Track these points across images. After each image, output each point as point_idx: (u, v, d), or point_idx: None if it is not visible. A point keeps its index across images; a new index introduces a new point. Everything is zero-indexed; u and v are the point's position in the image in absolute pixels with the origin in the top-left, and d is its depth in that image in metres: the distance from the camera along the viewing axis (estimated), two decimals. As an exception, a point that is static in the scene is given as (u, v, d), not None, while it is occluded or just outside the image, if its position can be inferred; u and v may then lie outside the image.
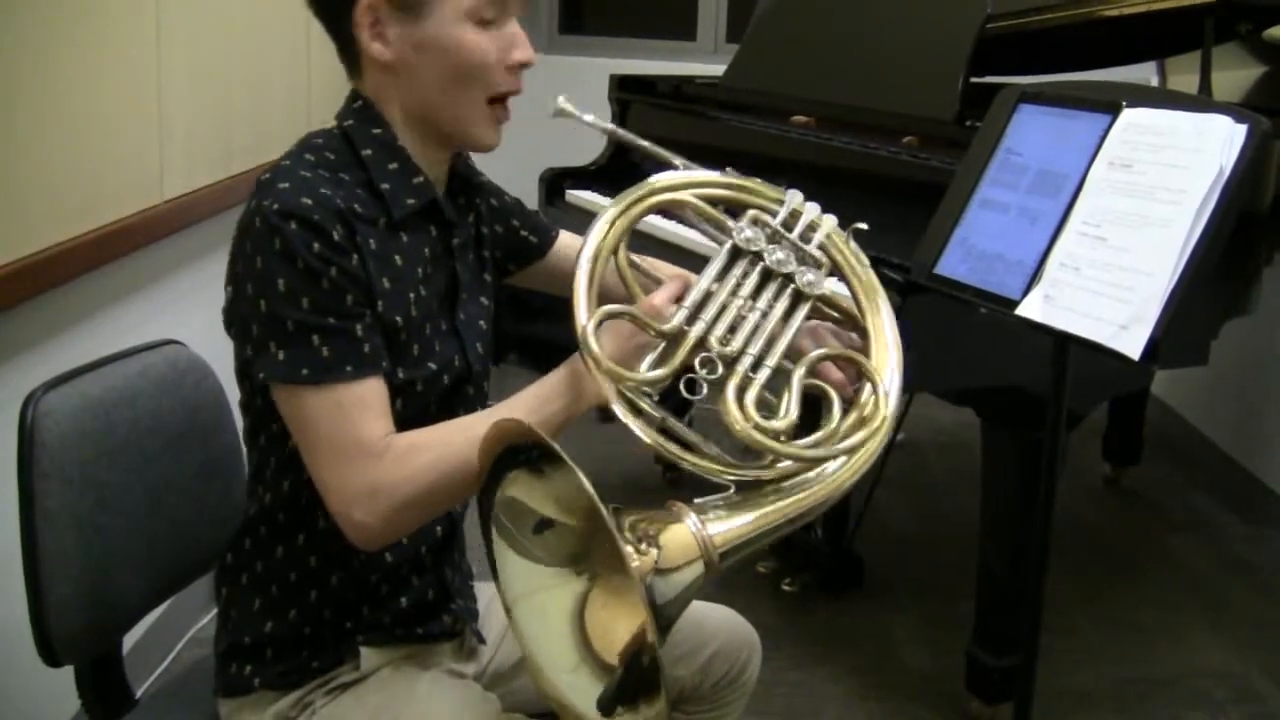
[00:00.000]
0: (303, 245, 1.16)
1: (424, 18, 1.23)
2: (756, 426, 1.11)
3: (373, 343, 1.20)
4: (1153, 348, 1.32)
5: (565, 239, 1.58)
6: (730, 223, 1.26)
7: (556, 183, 3.22)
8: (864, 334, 1.28)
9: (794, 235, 1.26)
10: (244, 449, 1.36)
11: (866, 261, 1.31)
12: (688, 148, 3.17)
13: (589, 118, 1.32)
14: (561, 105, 1.32)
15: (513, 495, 1.10)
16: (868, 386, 1.21)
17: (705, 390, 1.13)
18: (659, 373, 1.13)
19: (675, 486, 3.35)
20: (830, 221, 1.29)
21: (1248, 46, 2.91)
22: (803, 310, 1.22)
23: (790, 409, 1.14)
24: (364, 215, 1.23)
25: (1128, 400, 3.52)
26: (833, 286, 1.27)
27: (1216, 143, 1.35)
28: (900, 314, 1.98)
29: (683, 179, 1.29)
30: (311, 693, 1.32)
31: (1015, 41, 2.64)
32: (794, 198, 1.29)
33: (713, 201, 1.29)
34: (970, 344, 2.07)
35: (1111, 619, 2.87)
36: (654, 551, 1.03)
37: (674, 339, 1.15)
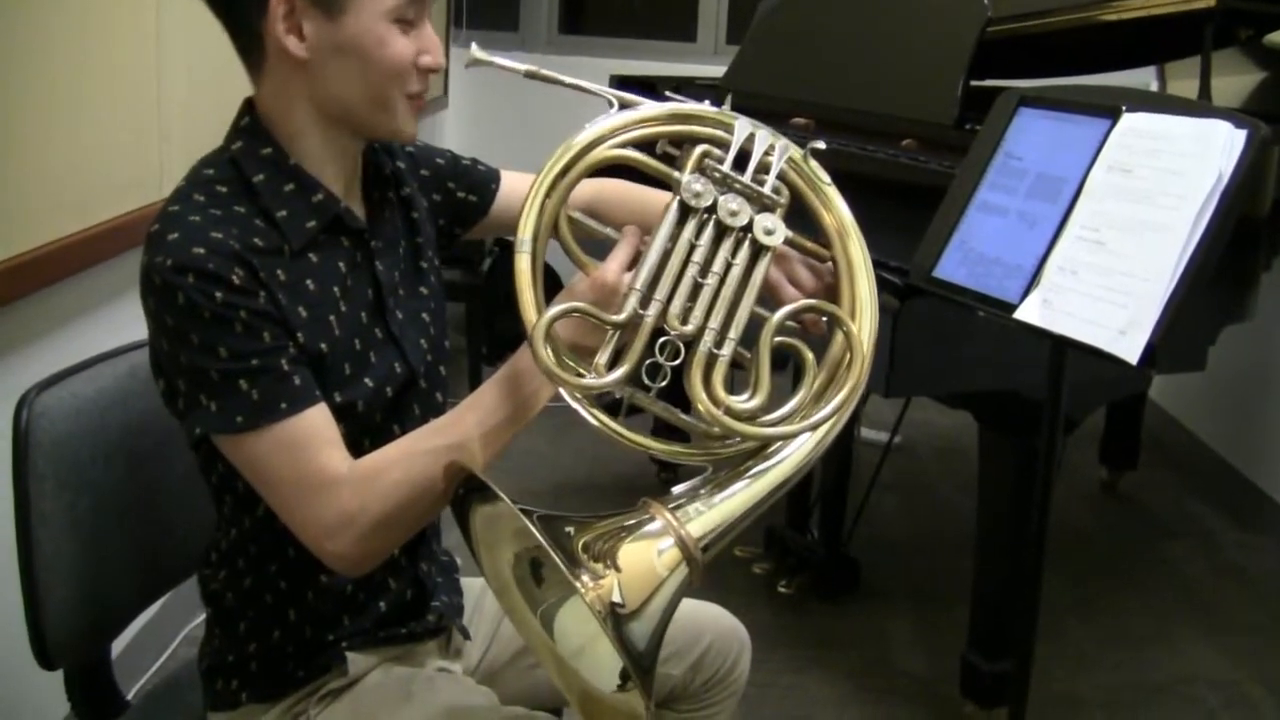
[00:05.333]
0: (205, 298, 1.11)
1: (344, 15, 1.17)
2: (728, 410, 1.07)
3: (302, 374, 1.17)
4: (1150, 353, 1.31)
5: (509, 183, 1.52)
6: (676, 174, 1.14)
7: (555, 183, 3.21)
8: (834, 265, 1.21)
9: (747, 176, 1.15)
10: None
11: (829, 180, 1.21)
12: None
13: (502, 60, 1.24)
14: (475, 54, 1.22)
15: (511, 553, 1.08)
16: (839, 334, 1.15)
17: (669, 375, 1.08)
18: (618, 373, 1.07)
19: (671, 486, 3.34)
20: (785, 150, 1.18)
21: (1247, 52, 2.90)
22: (764, 263, 1.14)
23: (760, 387, 1.10)
24: (265, 248, 1.17)
25: (1125, 405, 3.52)
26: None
27: (1215, 148, 1.35)
28: (898, 317, 2.01)
29: (610, 125, 1.15)
30: (301, 701, 1.31)
31: (1015, 45, 2.64)
32: (742, 129, 1.17)
33: (653, 141, 1.17)
34: (968, 348, 2.07)
35: (1106, 624, 2.87)
36: (612, 576, 1.00)
37: (630, 326, 1.09)
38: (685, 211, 1.13)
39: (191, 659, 1.44)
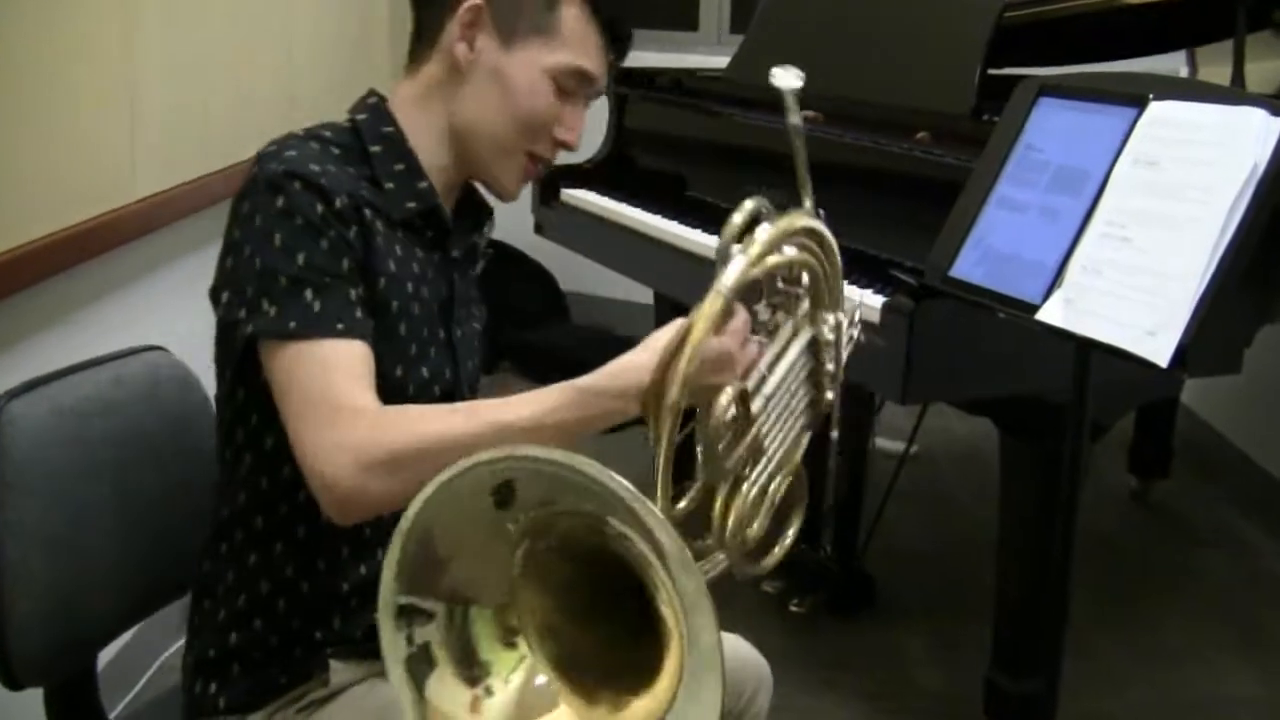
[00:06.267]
0: (306, 204, 1.20)
1: (514, 49, 1.30)
2: (744, 536, 1.13)
3: (364, 313, 1.22)
4: (1181, 354, 1.31)
5: None
6: (825, 313, 1.24)
7: (552, 181, 3.22)
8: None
9: (844, 350, 1.28)
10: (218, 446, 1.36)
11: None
12: (691, 144, 3.17)
13: (793, 107, 1.30)
14: (790, 79, 1.30)
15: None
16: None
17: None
18: (738, 451, 1.11)
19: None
20: (853, 336, 1.33)
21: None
22: (806, 420, 1.24)
23: (763, 524, 1.17)
24: (369, 201, 1.27)
25: (1155, 410, 3.51)
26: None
27: (1249, 137, 1.35)
28: (913, 319, 2.01)
29: (814, 224, 1.21)
30: (281, 710, 1.32)
31: (1035, 31, 2.64)
32: (854, 297, 1.32)
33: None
34: (987, 350, 2.06)
35: (1137, 641, 2.87)
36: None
37: (747, 421, 1.12)
38: (810, 349, 1.23)
39: (175, 684, 1.44)
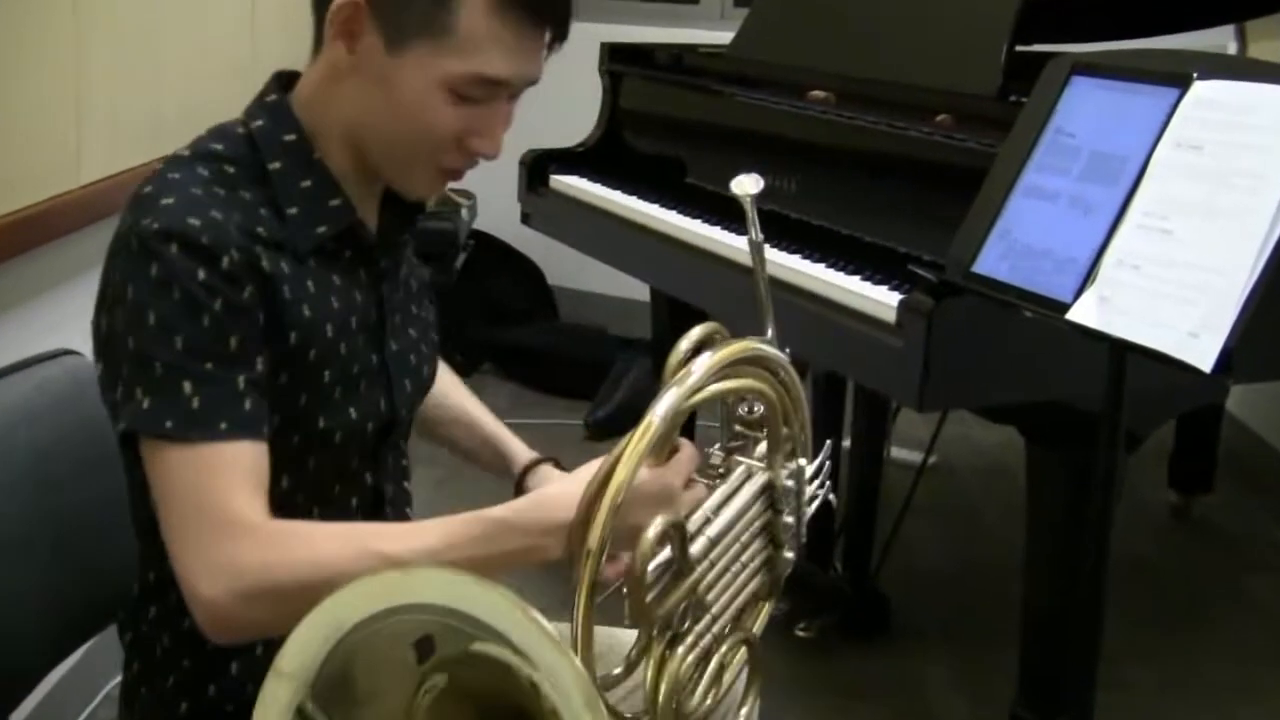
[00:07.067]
0: (184, 272, 1.12)
1: (403, 53, 1.18)
2: (680, 708, 1.11)
3: (256, 401, 1.15)
4: (1226, 358, 1.31)
5: None
6: (780, 459, 1.24)
7: (540, 166, 3.22)
8: None
9: (805, 495, 1.28)
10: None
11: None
12: (691, 127, 3.15)
13: (752, 214, 1.26)
14: (750, 188, 1.26)
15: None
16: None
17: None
18: (672, 599, 1.09)
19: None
20: (818, 501, 1.34)
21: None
22: (759, 580, 1.23)
23: (705, 697, 1.16)
24: (269, 239, 1.19)
25: (1198, 418, 3.51)
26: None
27: (1302, 120, 1.34)
28: (932, 319, 2.00)
29: (773, 355, 1.20)
30: None
31: (1067, 3, 2.63)
32: (826, 452, 1.34)
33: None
34: (1013, 353, 2.06)
35: (1176, 672, 2.86)
36: None
37: (688, 565, 1.11)
38: (768, 490, 1.23)
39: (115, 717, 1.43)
